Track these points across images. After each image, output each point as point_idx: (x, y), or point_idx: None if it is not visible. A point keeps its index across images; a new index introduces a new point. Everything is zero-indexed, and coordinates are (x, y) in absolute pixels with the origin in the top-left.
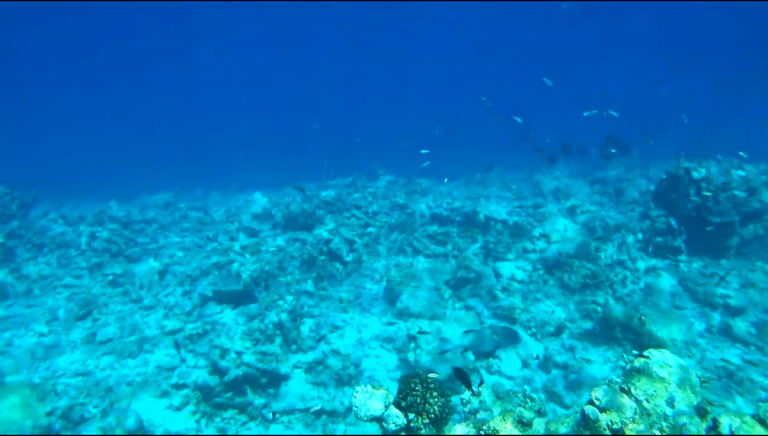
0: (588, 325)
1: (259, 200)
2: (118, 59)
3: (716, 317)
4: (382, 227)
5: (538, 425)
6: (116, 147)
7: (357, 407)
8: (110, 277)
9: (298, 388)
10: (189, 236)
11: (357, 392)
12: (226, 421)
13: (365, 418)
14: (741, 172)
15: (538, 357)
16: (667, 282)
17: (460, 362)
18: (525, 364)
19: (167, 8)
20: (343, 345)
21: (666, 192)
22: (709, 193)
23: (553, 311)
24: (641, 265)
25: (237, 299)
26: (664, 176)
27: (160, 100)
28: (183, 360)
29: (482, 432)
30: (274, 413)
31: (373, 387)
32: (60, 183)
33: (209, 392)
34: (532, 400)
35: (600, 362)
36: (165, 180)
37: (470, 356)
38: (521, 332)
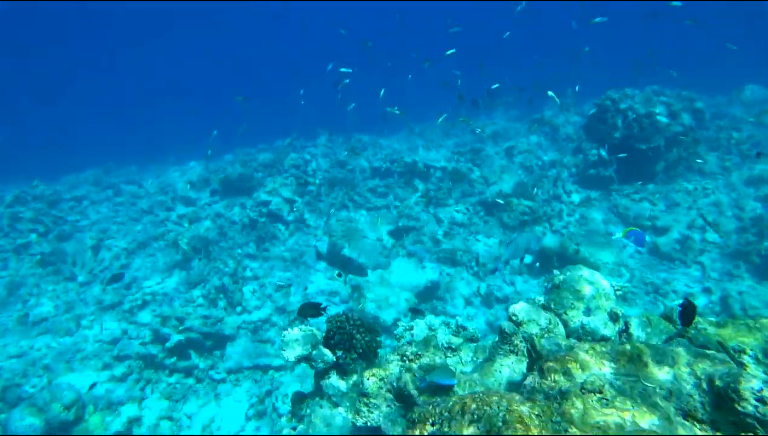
0: (528, 259)
1: (195, 168)
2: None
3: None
4: (322, 185)
5: (468, 350)
6: (43, 124)
7: (284, 350)
8: (38, 256)
9: (244, 347)
10: (123, 209)
11: (283, 336)
12: (171, 386)
13: (293, 360)
14: (663, 99)
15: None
16: (599, 211)
17: (403, 307)
18: (468, 302)
19: None
20: (288, 303)
21: (596, 124)
22: (634, 123)
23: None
24: (576, 197)
25: (177, 267)
26: (593, 110)
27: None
28: (125, 332)
29: (406, 358)
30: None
31: (300, 329)
32: None
33: (152, 360)
34: (464, 329)
35: (539, 292)
36: (97, 157)
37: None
38: (464, 273)
